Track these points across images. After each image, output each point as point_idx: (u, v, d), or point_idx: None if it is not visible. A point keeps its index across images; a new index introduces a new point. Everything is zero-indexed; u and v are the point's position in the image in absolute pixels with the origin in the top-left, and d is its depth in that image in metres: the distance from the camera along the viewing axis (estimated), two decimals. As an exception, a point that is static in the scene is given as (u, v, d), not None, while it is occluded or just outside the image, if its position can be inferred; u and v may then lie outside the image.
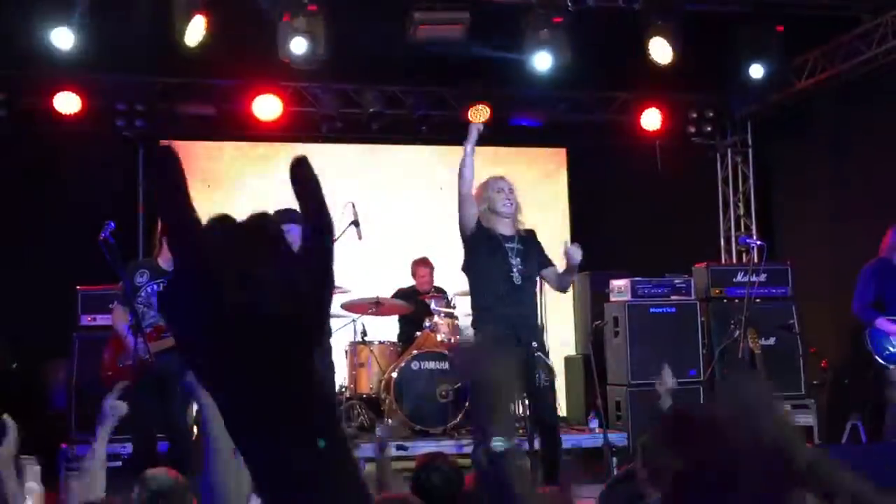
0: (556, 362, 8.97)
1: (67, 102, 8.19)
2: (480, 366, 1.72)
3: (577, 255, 5.47)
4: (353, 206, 7.43)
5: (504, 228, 5.58)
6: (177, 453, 5.47)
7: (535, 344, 5.49)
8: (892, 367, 6.36)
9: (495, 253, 5.49)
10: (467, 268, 5.71)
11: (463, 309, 8.36)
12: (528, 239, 5.66)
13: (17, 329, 7.47)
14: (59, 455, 6.88)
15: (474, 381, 1.76)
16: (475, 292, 5.72)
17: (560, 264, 5.71)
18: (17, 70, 8.00)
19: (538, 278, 5.81)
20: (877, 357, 6.46)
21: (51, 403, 7.58)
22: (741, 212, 10.00)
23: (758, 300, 7.93)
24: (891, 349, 6.46)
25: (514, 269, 5.47)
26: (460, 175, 5.55)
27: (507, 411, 1.75)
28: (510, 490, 1.68)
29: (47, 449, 7.01)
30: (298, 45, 7.57)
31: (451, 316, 8.09)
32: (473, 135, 5.61)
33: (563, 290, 6.01)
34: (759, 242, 7.37)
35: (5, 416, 3.20)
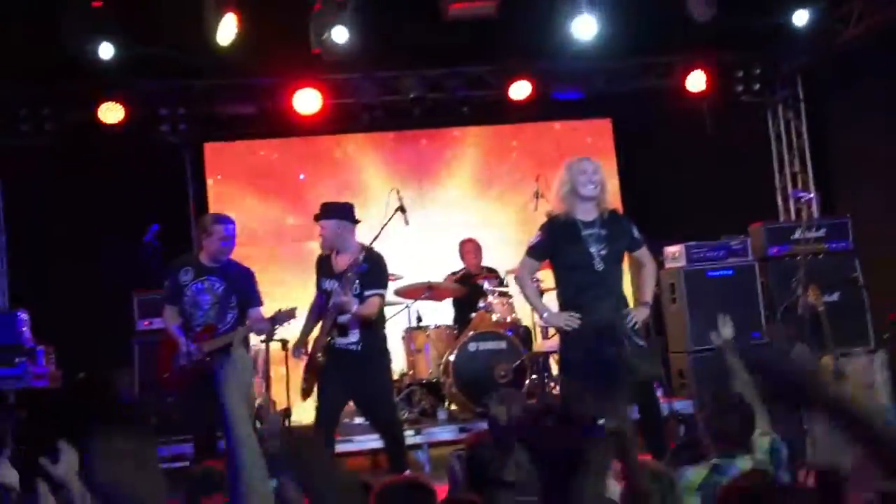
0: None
1: (111, 112, 8.29)
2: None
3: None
4: (398, 193, 7.40)
5: (585, 213, 5.44)
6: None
7: (619, 322, 5.35)
8: None
9: (575, 241, 5.37)
10: (549, 257, 5.62)
11: (516, 287, 8.32)
12: (612, 220, 5.52)
13: (78, 338, 7.60)
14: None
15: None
16: (558, 282, 5.61)
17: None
18: (60, 83, 8.11)
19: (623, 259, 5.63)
20: None
21: (119, 410, 7.71)
22: (797, 168, 9.73)
23: (819, 256, 7.72)
24: None
25: (596, 257, 5.35)
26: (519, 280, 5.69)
27: None
28: None
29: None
30: (339, 35, 7.57)
31: (504, 295, 8.03)
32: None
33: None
34: (810, 195, 7.15)
35: (61, 441, 3.27)
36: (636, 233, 5.55)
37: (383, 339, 5.95)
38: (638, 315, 5.38)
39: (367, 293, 5.70)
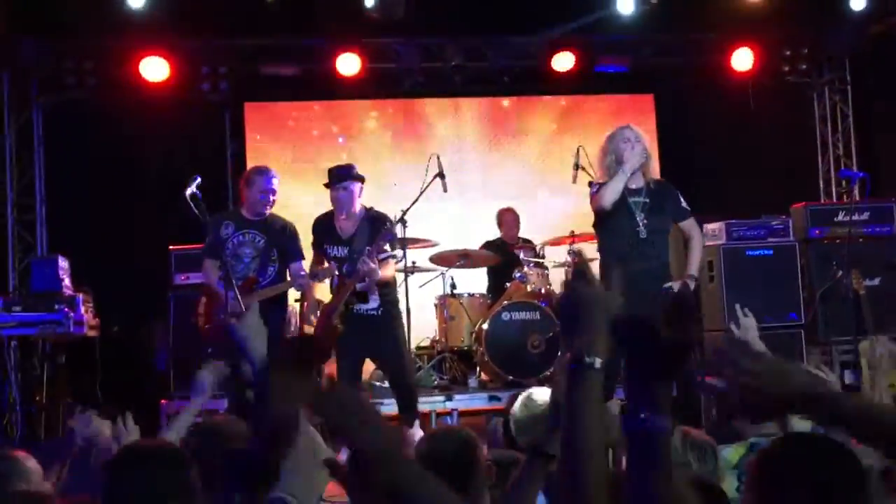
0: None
1: (154, 68, 8.28)
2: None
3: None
4: (438, 159, 7.36)
5: (631, 181, 5.40)
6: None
7: (662, 294, 5.34)
8: None
9: (620, 209, 5.35)
10: (595, 224, 5.63)
11: (551, 258, 8.29)
12: (658, 190, 5.48)
13: (116, 290, 7.64)
14: (160, 411, 7.07)
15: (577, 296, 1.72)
16: (602, 249, 5.68)
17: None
18: (103, 38, 8.12)
19: (670, 229, 5.63)
20: None
21: (154, 364, 7.77)
22: (840, 151, 9.60)
23: (861, 239, 7.61)
24: None
25: (640, 224, 5.32)
26: (603, 197, 5.39)
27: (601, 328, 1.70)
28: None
29: (151, 406, 7.24)
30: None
31: (540, 266, 7.99)
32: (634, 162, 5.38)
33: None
34: (860, 174, 7.04)
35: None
36: (683, 202, 5.52)
37: (398, 300, 6.14)
38: (679, 284, 5.35)
39: (381, 256, 5.77)
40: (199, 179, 5.44)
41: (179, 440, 2.93)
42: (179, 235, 7.25)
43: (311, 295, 6.13)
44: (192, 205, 5.32)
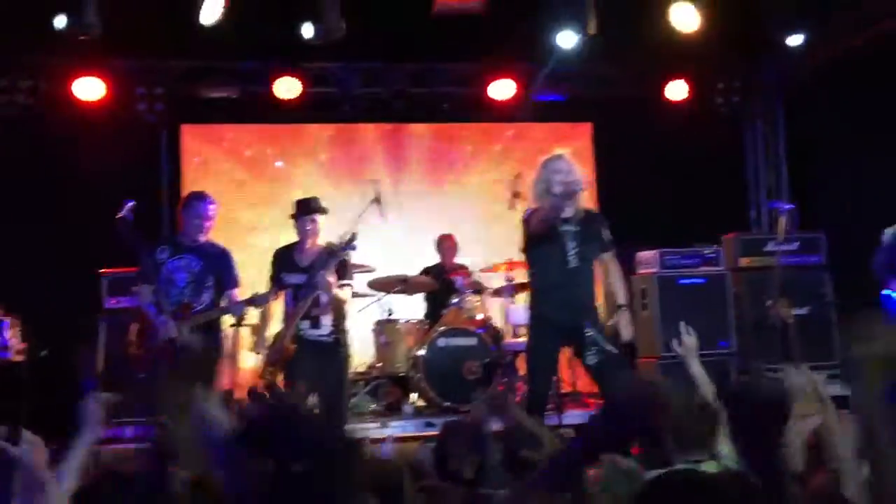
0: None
1: (90, 88, 8.17)
2: None
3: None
4: (377, 184, 7.37)
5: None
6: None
7: (588, 326, 5.38)
8: None
9: (551, 238, 5.41)
10: (525, 250, 5.68)
11: (488, 285, 8.32)
12: (588, 220, 5.55)
13: (43, 315, 7.47)
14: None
15: None
16: (532, 275, 5.74)
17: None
18: (38, 56, 8.00)
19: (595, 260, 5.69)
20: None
21: (82, 389, 7.60)
22: (772, 183, 9.81)
23: (791, 269, 7.77)
24: None
25: (570, 254, 5.38)
26: (533, 224, 5.51)
27: None
28: None
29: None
30: (307, 30, 7.52)
31: (477, 292, 8.03)
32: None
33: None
34: (789, 206, 7.21)
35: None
36: (607, 235, 5.61)
37: (348, 332, 6.18)
38: (622, 321, 5.47)
39: (339, 282, 5.85)
40: (132, 203, 5.38)
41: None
42: (111, 259, 7.13)
43: (262, 326, 6.11)
44: (124, 229, 5.26)
